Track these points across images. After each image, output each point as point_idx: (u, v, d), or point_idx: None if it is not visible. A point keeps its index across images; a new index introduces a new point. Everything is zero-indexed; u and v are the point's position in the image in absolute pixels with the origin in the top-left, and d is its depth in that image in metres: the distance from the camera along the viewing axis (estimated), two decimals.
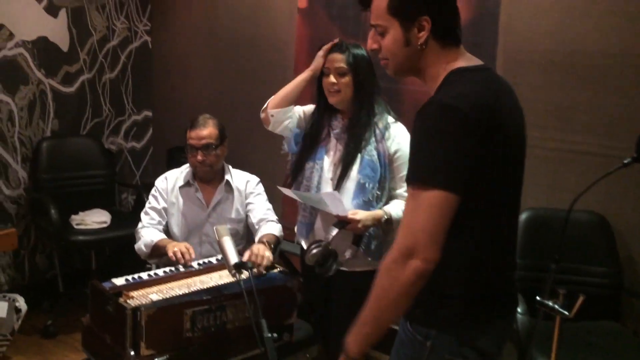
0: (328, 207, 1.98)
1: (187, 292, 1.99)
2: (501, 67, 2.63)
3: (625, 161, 1.55)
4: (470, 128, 1.20)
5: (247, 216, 2.53)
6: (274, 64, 3.49)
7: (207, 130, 2.42)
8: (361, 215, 1.96)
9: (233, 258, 1.88)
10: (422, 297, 1.26)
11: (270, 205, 2.56)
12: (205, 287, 2.03)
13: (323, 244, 1.94)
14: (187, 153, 2.47)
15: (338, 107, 2.11)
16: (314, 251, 1.94)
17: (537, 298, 1.61)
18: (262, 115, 2.22)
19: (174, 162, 3.89)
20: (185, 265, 2.19)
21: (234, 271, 1.86)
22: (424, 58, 1.32)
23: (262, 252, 2.13)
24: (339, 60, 2.06)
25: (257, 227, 2.47)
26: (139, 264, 2.57)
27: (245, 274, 1.82)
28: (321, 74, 2.11)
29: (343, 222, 1.95)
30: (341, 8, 3.13)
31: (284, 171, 2.37)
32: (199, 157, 2.41)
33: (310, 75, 2.13)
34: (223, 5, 3.74)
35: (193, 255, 2.24)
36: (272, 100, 2.19)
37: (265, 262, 2.12)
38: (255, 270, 2.03)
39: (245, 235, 2.56)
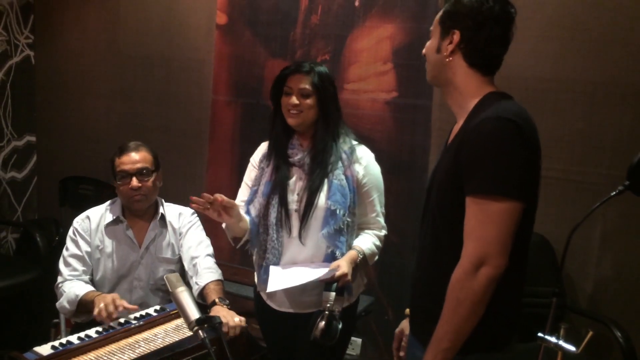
0: (315, 276, 1.78)
1: (134, 357, 1.66)
2: (438, 93, 2.59)
3: (620, 188, 1.53)
4: (526, 142, 1.26)
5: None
6: (191, 83, 3.20)
7: (140, 154, 2.16)
8: (344, 266, 1.78)
9: (194, 313, 1.60)
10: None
11: (204, 237, 2.25)
12: (154, 349, 1.71)
13: (326, 315, 1.72)
14: (116, 183, 2.15)
15: (297, 129, 1.91)
16: (321, 324, 1.72)
17: (539, 334, 1.53)
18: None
19: (70, 195, 3.43)
20: (111, 326, 1.84)
21: (196, 327, 1.58)
22: (449, 70, 1.40)
23: (233, 322, 1.83)
24: (303, 80, 1.86)
25: (192, 265, 2.17)
26: (33, 324, 2.13)
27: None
28: (280, 93, 1.90)
29: (332, 283, 1.76)
30: (267, 26, 2.93)
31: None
32: (134, 183, 2.11)
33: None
34: (126, 19, 3.37)
35: (120, 308, 1.88)
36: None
37: (239, 331, 1.82)
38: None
39: (183, 276, 2.24)
